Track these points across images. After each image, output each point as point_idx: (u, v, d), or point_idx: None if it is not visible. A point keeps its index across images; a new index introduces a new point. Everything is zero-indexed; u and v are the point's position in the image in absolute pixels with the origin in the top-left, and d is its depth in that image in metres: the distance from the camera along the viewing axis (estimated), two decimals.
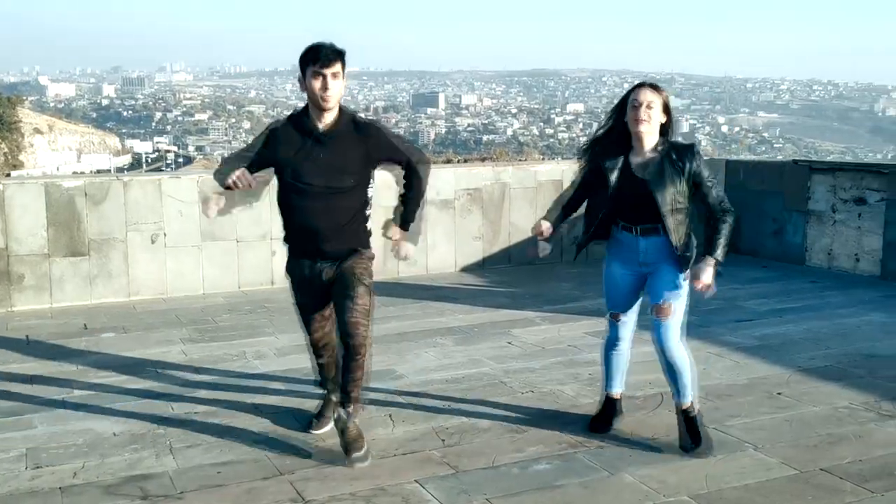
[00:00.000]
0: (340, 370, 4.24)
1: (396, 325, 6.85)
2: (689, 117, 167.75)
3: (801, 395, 5.03)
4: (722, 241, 4.05)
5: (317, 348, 4.48)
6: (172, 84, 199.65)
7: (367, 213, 4.36)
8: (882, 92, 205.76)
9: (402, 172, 4.40)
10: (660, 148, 4.08)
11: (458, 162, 13.02)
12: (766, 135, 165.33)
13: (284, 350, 5.97)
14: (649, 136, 4.06)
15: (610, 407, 4.52)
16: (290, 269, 4.32)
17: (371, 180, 4.27)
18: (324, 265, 4.20)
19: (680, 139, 4.26)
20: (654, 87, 4.08)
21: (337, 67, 3.96)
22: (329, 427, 4.36)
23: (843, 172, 9.06)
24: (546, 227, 4.19)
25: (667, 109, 4.06)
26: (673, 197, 4.01)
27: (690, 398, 4.25)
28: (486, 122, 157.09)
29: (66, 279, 7.70)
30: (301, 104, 4.21)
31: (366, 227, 4.38)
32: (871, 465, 4.02)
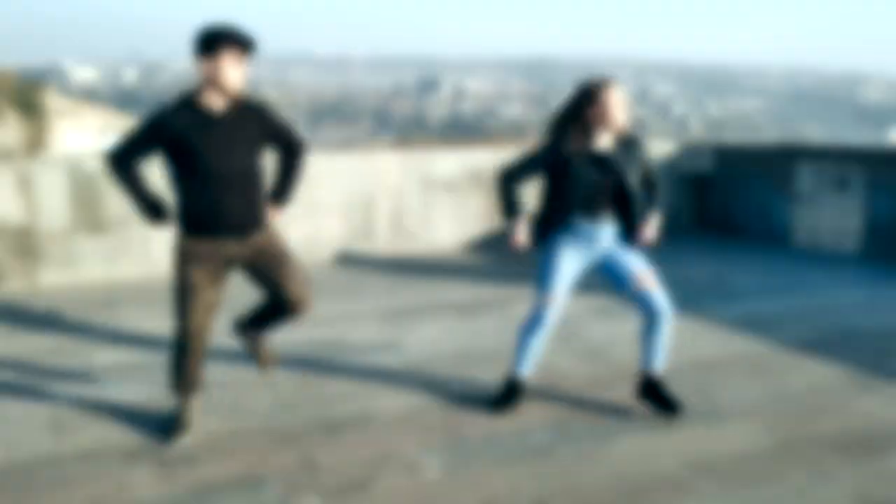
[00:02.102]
0: (269, 318, 4.27)
1: (401, 299, 6.84)
2: (680, 103, 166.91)
3: (785, 368, 5.02)
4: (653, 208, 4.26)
5: (193, 339, 3.99)
6: (193, 70, 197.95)
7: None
8: (863, 79, 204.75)
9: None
10: (618, 138, 4.12)
11: (461, 145, 12.97)
12: (753, 120, 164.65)
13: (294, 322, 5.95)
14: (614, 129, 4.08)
15: (517, 388, 4.38)
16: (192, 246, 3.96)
17: None
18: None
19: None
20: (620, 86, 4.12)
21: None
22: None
23: (827, 156, 9.01)
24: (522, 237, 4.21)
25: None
26: (636, 184, 4.10)
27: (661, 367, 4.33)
28: (488, 106, 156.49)
29: (88, 255, 7.70)
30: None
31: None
32: (850, 434, 4.02)
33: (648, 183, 4.23)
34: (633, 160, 4.12)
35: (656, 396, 4.29)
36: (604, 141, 4.09)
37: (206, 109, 3.81)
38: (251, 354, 4.53)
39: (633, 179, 4.09)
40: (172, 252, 4.01)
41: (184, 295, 3.95)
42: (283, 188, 4.24)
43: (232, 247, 3.94)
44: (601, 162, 4.06)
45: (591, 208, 4.11)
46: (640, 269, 4.17)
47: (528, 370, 4.41)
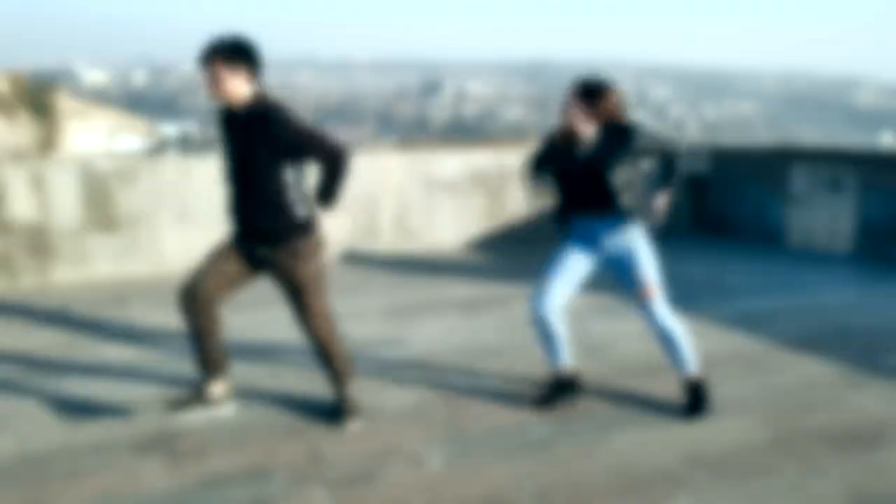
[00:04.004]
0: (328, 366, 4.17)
1: (405, 296, 6.85)
2: (676, 106, 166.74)
3: (779, 364, 5.02)
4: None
5: (199, 308, 4.27)
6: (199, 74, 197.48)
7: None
8: (856, 83, 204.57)
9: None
10: (600, 133, 4.03)
11: (463, 147, 12.97)
12: (748, 123, 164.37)
13: None
14: (581, 127, 4.01)
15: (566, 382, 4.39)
16: None
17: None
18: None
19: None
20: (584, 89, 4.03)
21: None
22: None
23: (820, 159, 9.01)
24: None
25: (594, 102, 3.98)
26: (620, 175, 4.00)
27: (693, 368, 4.24)
28: (489, 109, 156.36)
29: (99, 252, 7.71)
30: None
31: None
32: (842, 429, 4.02)
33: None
34: (612, 150, 4.00)
35: (693, 395, 4.25)
36: (587, 136, 4.04)
37: None
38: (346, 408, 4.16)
39: (612, 169, 3.98)
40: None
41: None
42: None
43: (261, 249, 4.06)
44: (578, 157, 4.05)
45: (579, 203, 4.10)
46: (644, 280, 4.09)
47: (566, 359, 4.35)
